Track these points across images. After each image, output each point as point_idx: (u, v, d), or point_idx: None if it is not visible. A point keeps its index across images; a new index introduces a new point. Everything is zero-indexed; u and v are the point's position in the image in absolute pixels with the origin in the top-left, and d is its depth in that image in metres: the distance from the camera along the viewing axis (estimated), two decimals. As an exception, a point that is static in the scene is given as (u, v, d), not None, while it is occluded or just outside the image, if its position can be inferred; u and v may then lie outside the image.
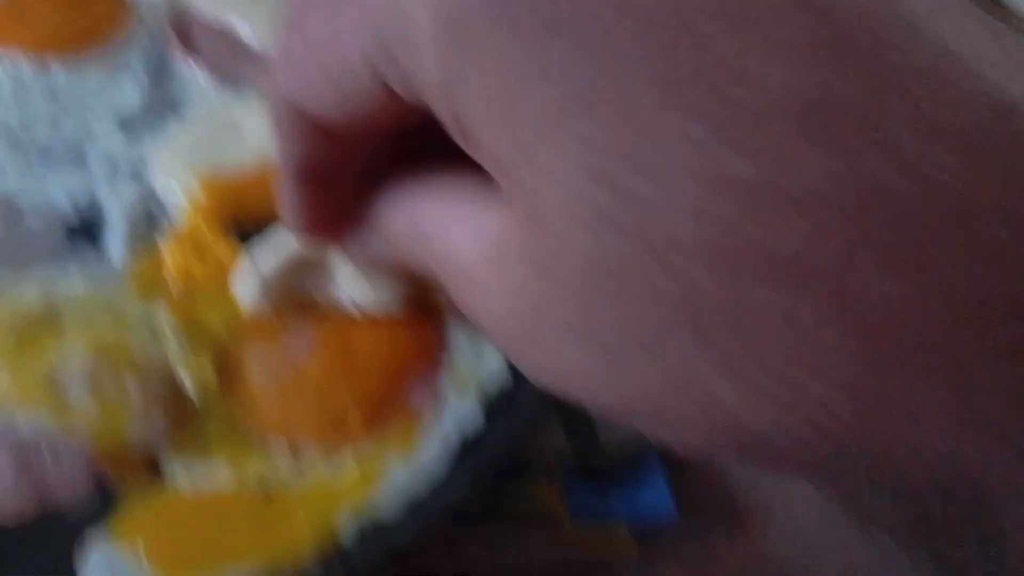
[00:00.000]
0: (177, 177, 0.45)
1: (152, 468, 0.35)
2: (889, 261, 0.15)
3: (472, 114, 0.18)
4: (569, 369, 0.19)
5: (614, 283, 0.17)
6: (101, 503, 0.34)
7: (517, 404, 0.38)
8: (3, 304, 0.38)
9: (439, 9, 0.17)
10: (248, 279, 0.36)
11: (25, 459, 0.34)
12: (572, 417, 0.40)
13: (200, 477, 0.35)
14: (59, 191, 0.44)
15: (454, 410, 0.38)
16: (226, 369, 0.38)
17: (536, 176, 0.17)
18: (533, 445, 0.39)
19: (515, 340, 0.20)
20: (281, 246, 0.35)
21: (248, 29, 0.53)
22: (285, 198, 0.26)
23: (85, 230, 0.43)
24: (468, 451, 0.37)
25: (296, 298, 0.36)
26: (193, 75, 0.50)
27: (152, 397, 0.36)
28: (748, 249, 0.15)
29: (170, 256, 0.41)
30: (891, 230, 0.15)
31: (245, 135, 0.47)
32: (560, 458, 0.38)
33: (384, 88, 0.19)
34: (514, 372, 0.39)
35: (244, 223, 0.44)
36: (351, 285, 0.34)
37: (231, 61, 0.52)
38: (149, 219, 0.43)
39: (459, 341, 0.40)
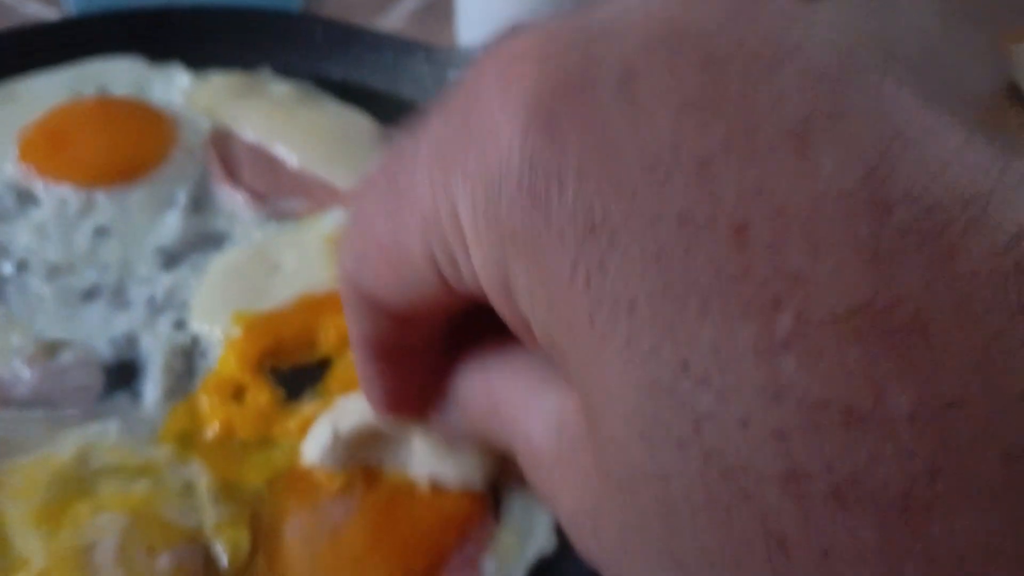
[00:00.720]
0: (215, 317, 0.44)
1: (182, 647, 0.34)
2: (975, 497, 0.13)
3: (523, 307, 0.17)
4: None
5: (681, 501, 0.15)
6: None
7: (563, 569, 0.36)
8: (39, 463, 0.37)
9: (477, 203, 0.17)
10: (322, 438, 0.35)
11: (52, 639, 0.33)
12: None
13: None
14: (99, 333, 0.43)
15: (496, 577, 0.36)
16: (261, 535, 0.36)
17: (593, 383, 0.16)
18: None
19: (586, 540, 0.19)
20: (352, 413, 0.33)
21: (291, 155, 0.52)
22: (363, 376, 0.26)
23: (123, 374, 0.42)
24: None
25: (365, 465, 0.35)
26: (235, 205, 0.50)
27: (185, 568, 0.35)
28: (824, 475, 0.13)
29: (209, 403, 0.40)
30: (978, 455, 0.13)
31: (285, 271, 0.46)
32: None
33: (440, 276, 0.19)
34: (563, 550, 0.37)
35: (283, 366, 0.43)
36: (431, 460, 0.33)
37: (274, 188, 0.51)
38: (188, 364, 0.42)
39: (512, 515, 0.37)
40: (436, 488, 0.35)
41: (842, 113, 0.15)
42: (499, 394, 0.22)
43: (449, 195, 0.18)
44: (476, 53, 0.19)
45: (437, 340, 0.24)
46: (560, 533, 0.37)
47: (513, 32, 0.18)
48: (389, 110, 0.57)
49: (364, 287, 0.22)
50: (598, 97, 0.16)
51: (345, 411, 0.34)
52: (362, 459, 0.35)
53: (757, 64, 0.15)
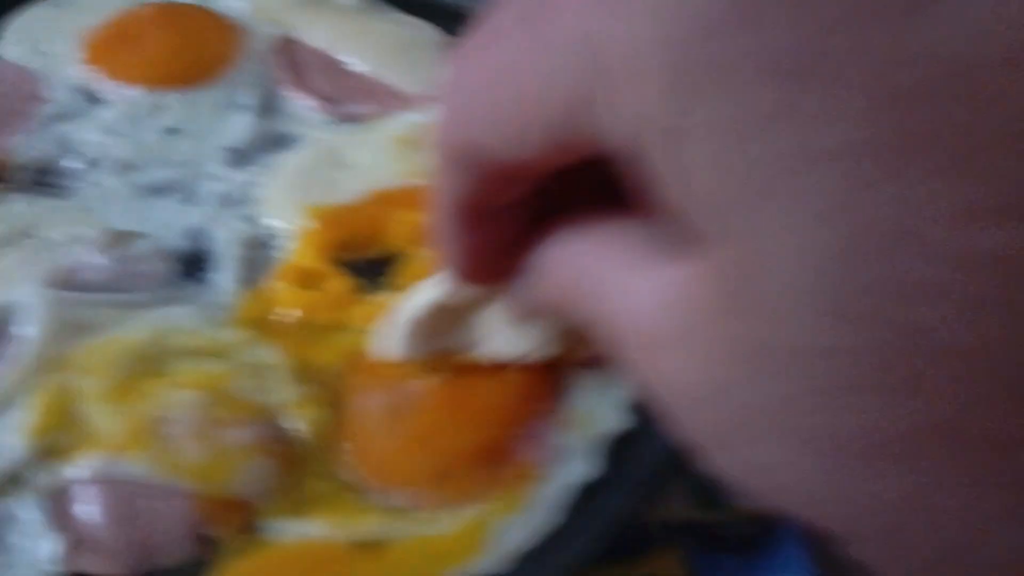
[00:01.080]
0: (287, 211, 0.43)
1: (254, 519, 0.33)
2: None
3: (691, 158, 0.15)
4: (769, 465, 0.15)
5: (853, 381, 0.13)
6: (202, 559, 0.32)
7: (640, 456, 0.34)
8: (113, 341, 0.36)
9: (671, 48, 0.14)
10: (392, 328, 0.34)
11: (127, 507, 0.32)
12: (699, 479, 0.36)
13: (303, 530, 0.32)
14: (170, 226, 0.42)
15: (571, 461, 0.34)
16: (337, 410, 0.35)
17: (758, 240, 0.14)
18: (659, 511, 0.34)
19: (696, 420, 0.17)
20: (424, 296, 0.32)
21: (358, 61, 0.51)
22: (445, 239, 0.25)
23: (195, 264, 0.41)
24: (586, 502, 0.33)
25: (438, 348, 0.33)
26: (303, 109, 0.48)
27: (260, 443, 0.34)
28: None
29: (283, 288, 0.39)
30: None
31: (353, 168, 0.45)
32: (685, 525, 0.34)
33: (574, 128, 0.17)
34: (638, 421, 0.35)
35: (354, 258, 0.42)
36: (497, 335, 0.31)
37: (341, 92, 0.50)
38: (259, 254, 0.41)
39: (579, 390, 0.36)
40: (503, 366, 0.33)
41: None
42: (591, 269, 0.21)
43: (612, 27, 0.15)
44: None
45: (527, 204, 0.23)
46: (637, 412, 0.35)
47: None
48: (450, 21, 0.55)
49: (471, 137, 0.20)
50: None
51: (414, 299, 0.33)
52: (433, 346, 0.34)
53: None
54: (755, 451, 0.15)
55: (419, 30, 0.54)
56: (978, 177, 0.12)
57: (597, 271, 0.20)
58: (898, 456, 0.13)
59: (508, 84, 0.19)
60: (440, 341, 0.33)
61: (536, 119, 0.18)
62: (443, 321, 0.32)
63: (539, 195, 0.23)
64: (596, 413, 0.35)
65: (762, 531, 0.34)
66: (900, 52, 0.12)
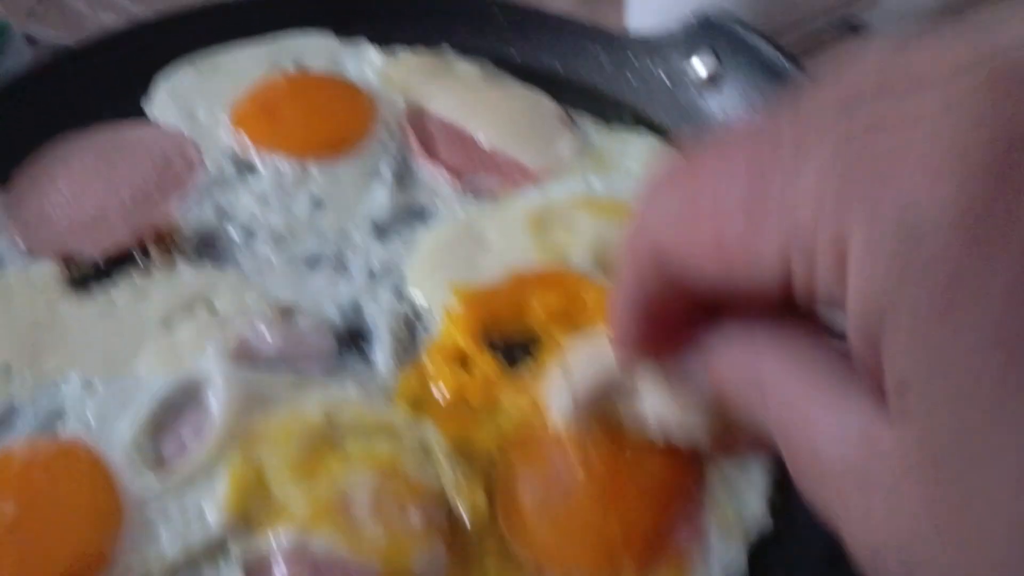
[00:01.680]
0: (431, 287, 0.45)
1: (432, 597, 0.36)
2: None
3: (892, 341, 0.18)
4: None
5: None
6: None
7: (781, 553, 0.37)
8: (291, 418, 0.39)
9: (885, 240, 0.17)
10: (562, 393, 0.36)
11: (320, 581, 0.35)
12: None
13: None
14: (325, 296, 0.45)
15: (719, 552, 0.37)
16: (496, 496, 0.38)
17: (958, 435, 0.17)
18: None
19: (888, 565, 0.19)
20: (594, 364, 0.34)
21: (483, 134, 0.53)
22: (620, 325, 0.27)
23: (353, 339, 0.43)
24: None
25: (602, 416, 0.35)
26: (435, 181, 0.51)
27: (433, 524, 0.36)
28: None
29: (437, 370, 0.42)
30: None
31: (491, 247, 0.47)
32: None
33: (784, 280, 0.20)
34: (776, 519, 0.38)
35: (495, 339, 0.44)
36: (660, 406, 0.33)
37: (468, 165, 0.52)
38: (410, 332, 0.44)
39: (717, 480, 0.39)
40: (654, 454, 0.36)
41: None
42: (769, 375, 0.23)
43: (841, 222, 0.18)
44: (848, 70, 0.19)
45: (701, 310, 0.25)
46: (775, 515, 0.38)
47: (922, 53, 0.18)
48: (568, 92, 0.57)
49: (667, 252, 0.23)
50: None
51: (580, 368, 0.35)
52: (599, 411, 0.35)
53: None
54: None
55: (537, 102, 0.56)
56: None
57: (780, 392, 0.22)
58: None
59: (729, 228, 0.21)
60: (604, 408, 0.35)
61: (744, 269, 0.21)
62: (608, 389, 0.35)
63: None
64: (740, 507, 0.37)
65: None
66: None
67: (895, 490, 0.18)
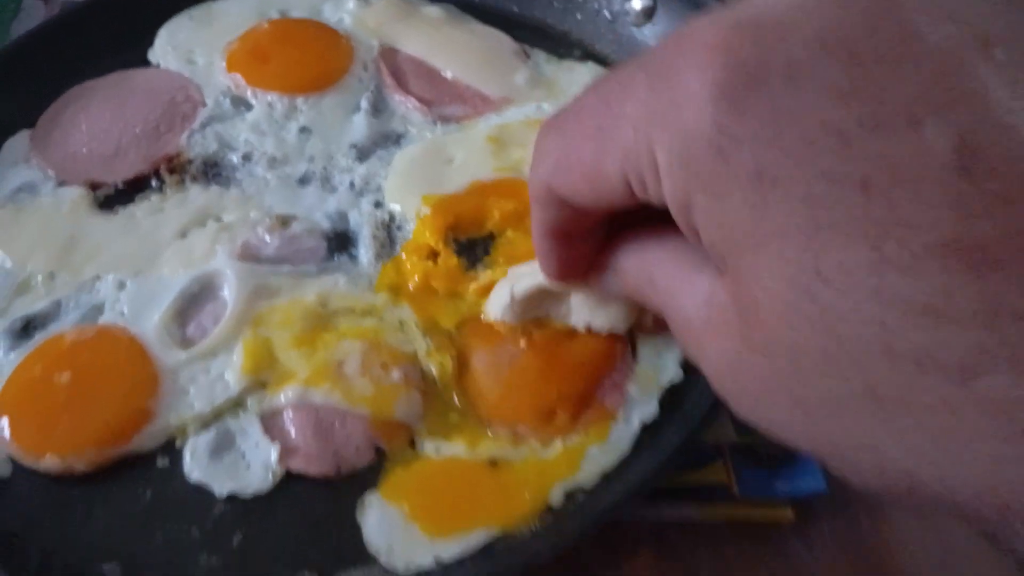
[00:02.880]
0: (406, 198, 0.52)
1: (413, 439, 0.43)
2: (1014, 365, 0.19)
3: (698, 223, 0.24)
4: (771, 418, 0.24)
5: (810, 365, 0.22)
6: (376, 465, 0.42)
7: (690, 401, 0.45)
8: (292, 304, 0.46)
9: (672, 151, 0.23)
10: (501, 298, 0.43)
11: (320, 425, 0.42)
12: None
13: (448, 450, 0.42)
14: (316, 209, 0.52)
15: (639, 407, 0.44)
16: (458, 364, 0.45)
17: (748, 278, 0.23)
18: (709, 436, 0.45)
19: (726, 386, 0.25)
20: (528, 280, 0.41)
21: (449, 69, 0.60)
22: (540, 251, 0.34)
23: (341, 241, 0.50)
24: (650, 435, 0.43)
25: (535, 316, 0.43)
26: (407, 110, 0.58)
27: (410, 381, 0.44)
28: (914, 351, 0.19)
29: (410, 262, 0.49)
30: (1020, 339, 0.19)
31: (457, 163, 0.54)
32: (730, 445, 0.45)
33: (629, 190, 0.26)
34: (687, 376, 0.45)
35: (460, 238, 0.51)
36: (586, 312, 0.41)
37: (436, 96, 0.59)
38: (388, 234, 0.51)
39: (644, 352, 0.46)
40: (590, 332, 0.43)
41: (947, 95, 0.20)
42: (656, 270, 0.29)
43: (649, 140, 0.24)
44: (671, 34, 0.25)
45: (602, 226, 0.32)
46: (685, 367, 0.45)
47: (701, 21, 0.24)
48: (524, 29, 0.63)
49: (556, 187, 0.29)
50: (771, 84, 0.21)
51: (519, 277, 0.42)
52: (532, 314, 0.43)
53: (886, 56, 0.21)
54: (761, 409, 0.24)
55: (497, 40, 0.62)
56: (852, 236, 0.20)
57: (664, 273, 0.29)
58: (834, 412, 0.22)
59: (585, 160, 0.27)
60: (537, 312, 0.43)
61: (601, 186, 0.27)
62: (541, 299, 0.42)
63: (611, 217, 0.31)
64: (659, 369, 0.45)
65: (787, 450, 0.45)
66: (810, 168, 0.21)
67: (725, 327, 0.24)
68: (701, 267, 0.27)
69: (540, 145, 0.30)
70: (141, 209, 0.51)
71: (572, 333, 0.44)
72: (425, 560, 0.39)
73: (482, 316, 0.46)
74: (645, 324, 0.43)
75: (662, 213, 0.26)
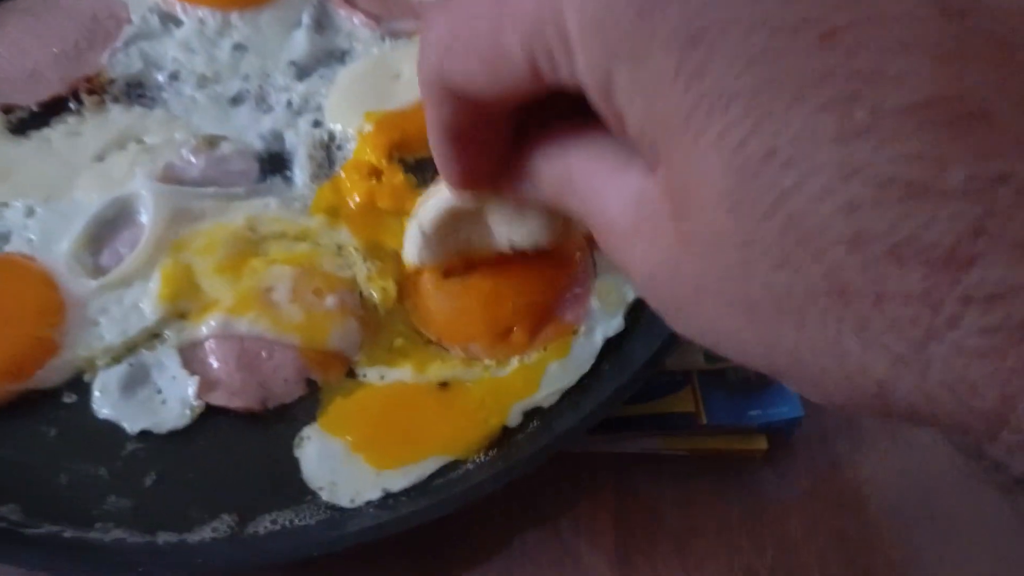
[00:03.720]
0: (347, 116, 0.48)
1: (349, 370, 0.39)
2: (1009, 251, 0.15)
3: (621, 105, 0.19)
4: (714, 328, 0.20)
5: (759, 259, 0.17)
6: (310, 396, 0.38)
7: (657, 318, 0.40)
8: (217, 228, 0.42)
9: (585, 16, 0.19)
10: (412, 237, 0.37)
11: (245, 356, 0.38)
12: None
13: (395, 375, 0.39)
14: (248, 130, 0.47)
15: (602, 322, 0.40)
16: (405, 286, 0.41)
17: (684, 165, 0.18)
18: (676, 363, 0.41)
19: (660, 296, 0.21)
20: (438, 203, 0.35)
21: (399, -18, 0.55)
22: (439, 158, 0.28)
23: (275, 163, 0.46)
24: (614, 354, 0.39)
25: (455, 250, 0.37)
26: (353, 26, 0.53)
27: (347, 307, 0.40)
28: (889, 238, 0.16)
29: (350, 181, 0.45)
30: (1015, 218, 0.15)
31: (405, 78, 0.49)
32: (700, 375, 0.41)
33: (535, 71, 0.21)
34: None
35: (408, 158, 0.47)
36: (506, 228, 0.36)
37: (386, 11, 0.54)
38: (327, 155, 0.47)
39: (607, 264, 0.42)
40: (514, 251, 0.38)
41: None
42: (575, 171, 0.24)
43: (556, 7, 0.19)
44: None
45: (509, 122, 0.26)
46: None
47: None
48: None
49: (448, 76, 0.24)
50: None
51: (425, 208, 0.37)
52: (450, 245, 0.38)
53: None
54: (701, 318, 0.20)
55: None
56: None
57: (585, 173, 0.24)
58: (790, 314, 0.17)
59: (480, 40, 0.22)
60: (456, 244, 0.37)
61: (502, 69, 0.22)
62: (455, 225, 0.36)
63: (520, 112, 0.26)
64: (623, 283, 0.41)
65: (760, 375, 0.41)
66: (754, 21, 0.16)
67: (656, 228, 0.20)
68: (627, 164, 0.22)
69: (427, 31, 0.24)
70: (56, 132, 0.47)
71: (529, 253, 0.39)
72: (372, 493, 0.36)
73: (404, 261, 0.40)
74: (574, 239, 0.39)
75: (577, 102, 0.21)
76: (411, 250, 0.38)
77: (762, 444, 0.39)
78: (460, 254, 0.38)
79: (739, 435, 0.40)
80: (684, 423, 0.39)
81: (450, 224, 0.36)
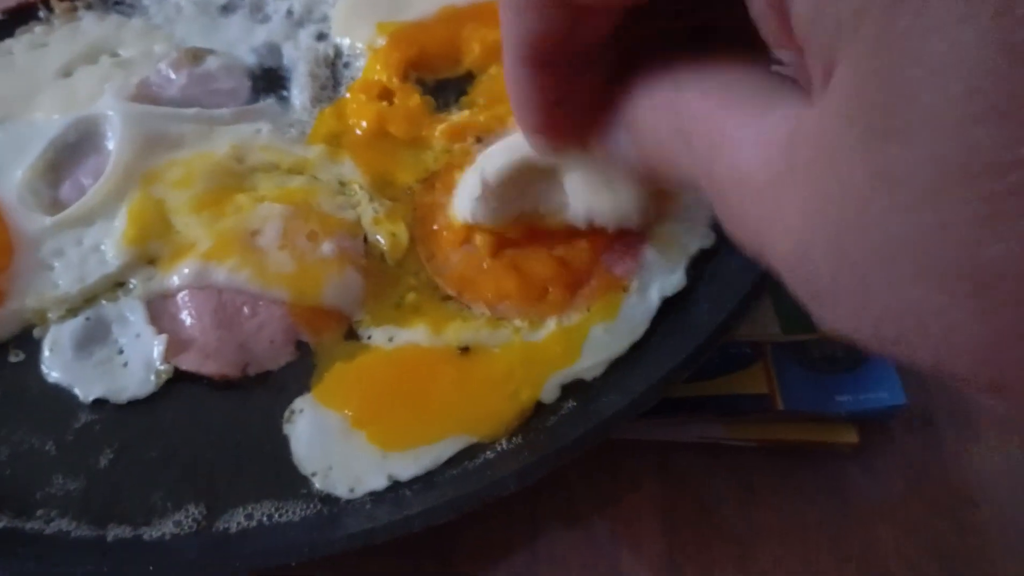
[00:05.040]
0: (357, 28, 0.40)
1: (349, 331, 0.32)
2: None
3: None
4: (909, 309, 0.13)
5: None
6: (301, 362, 0.32)
7: (725, 274, 0.33)
8: (197, 157, 0.35)
9: None
10: (471, 188, 0.31)
11: (223, 311, 0.32)
12: (789, 306, 0.34)
13: (406, 336, 0.32)
14: (240, 43, 0.40)
15: (659, 276, 0.33)
16: (416, 229, 0.34)
17: (892, 52, 0.12)
18: (746, 331, 0.33)
19: (815, 268, 0.15)
20: (508, 151, 0.29)
21: None
22: (515, 91, 0.22)
23: (270, 81, 0.39)
24: (673, 317, 0.32)
25: (519, 210, 0.31)
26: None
27: (347, 256, 0.33)
28: None
29: (357, 103, 0.37)
30: None
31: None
32: (775, 347, 0.33)
33: None
34: (721, 240, 0.34)
35: (427, 78, 0.39)
36: (586, 196, 0.29)
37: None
38: (332, 73, 0.39)
39: (666, 207, 0.34)
40: (593, 229, 0.31)
41: None
42: (693, 115, 0.18)
43: None
44: None
45: (606, 48, 0.20)
46: (718, 228, 0.33)
47: None
48: None
49: None
50: None
51: (490, 158, 0.30)
52: (514, 207, 0.31)
53: None
54: (889, 290, 0.13)
55: None
56: None
57: (702, 122, 0.18)
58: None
59: None
60: (520, 205, 0.31)
61: None
62: (524, 182, 0.30)
63: (612, 50, 0.20)
64: (685, 231, 0.33)
65: (851, 351, 0.33)
66: None
67: (825, 166, 0.14)
68: (769, 101, 0.16)
69: None
70: (20, 44, 0.40)
71: None
72: (376, 481, 0.29)
73: (451, 216, 0.33)
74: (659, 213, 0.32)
75: (697, 31, 0.17)
76: (466, 203, 0.32)
77: (851, 437, 0.32)
78: (522, 219, 0.32)
79: (823, 424, 0.32)
80: (754, 407, 0.32)
81: (518, 181, 0.30)
